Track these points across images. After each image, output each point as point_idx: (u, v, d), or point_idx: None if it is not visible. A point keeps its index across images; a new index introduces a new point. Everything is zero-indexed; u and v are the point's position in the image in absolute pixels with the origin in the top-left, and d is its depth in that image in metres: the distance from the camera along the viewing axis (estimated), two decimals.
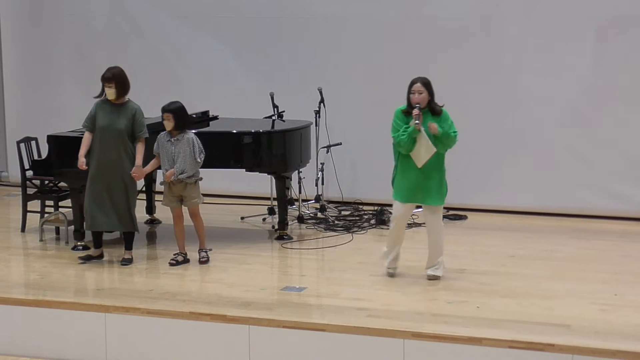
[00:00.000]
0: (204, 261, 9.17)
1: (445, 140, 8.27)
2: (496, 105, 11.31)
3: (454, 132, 8.32)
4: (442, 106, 8.36)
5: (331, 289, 8.46)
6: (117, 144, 8.98)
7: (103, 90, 9.07)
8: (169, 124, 8.99)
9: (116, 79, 8.97)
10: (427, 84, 8.30)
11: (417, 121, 8.13)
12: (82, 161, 9.05)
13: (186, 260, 9.19)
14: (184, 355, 7.69)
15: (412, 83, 8.33)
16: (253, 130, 9.92)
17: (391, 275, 8.66)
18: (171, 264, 9.09)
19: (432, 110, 8.30)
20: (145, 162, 9.16)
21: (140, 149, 9.04)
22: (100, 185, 9.01)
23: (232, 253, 9.58)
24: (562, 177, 11.15)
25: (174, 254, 9.21)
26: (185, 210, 9.25)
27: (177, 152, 8.97)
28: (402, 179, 8.40)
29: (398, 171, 8.45)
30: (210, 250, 9.36)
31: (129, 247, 9.31)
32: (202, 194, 9.24)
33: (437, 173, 8.37)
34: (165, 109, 9.00)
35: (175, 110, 8.99)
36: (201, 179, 9.15)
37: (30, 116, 12.92)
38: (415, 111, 8.17)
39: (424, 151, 8.26)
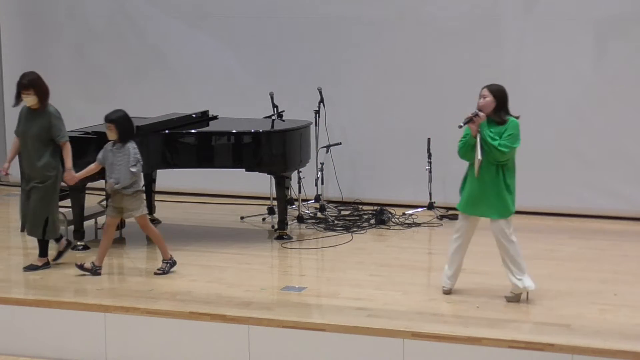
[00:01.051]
0: (158, 273, 8.78)
1: (487, 148, 7.71)
2: None
3: (504, 145, 7.67)
4: (516, 117, 7.82)
5: (331, 289, 8.45)
6: (31, 150, 8.73)
7: (18, 96, 8.76)
8: (111, 134, 8.56)
9: (34, 85, 8.68)
10: (494, 90, 7.77)
11: (461, 123, 7.73)
12: (4, 166, 8.98)
13: (96, 273, 8.73)
14: (184, 355, 7.69)
15: (481, 89, 7.86)
16: (253, 130, 9.92)
17: (447, 292, 8.12)
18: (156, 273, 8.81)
19: (496, 120, 7.74)
20: (82, 166, 8.91)
21: (66, 154, 8.74)
22: (24, 191, 8.86)
23: (232, 253, 9.57)
24: (562, 177, 11.14)
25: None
26: (137, 225, 8.85)
27: (115, 162, 8.58)
28: (467, 188, 7.92)
29: (466, 180, 8.01)
30: (170, 261, 8.86)
31: (40, 254, 8.98)
32: (145, 207, 8.78)
33: (494, 184, 7.76)
34: (106, 119, 8.58)
35: (117, 120, 8.56)
36: (143, 190, 8.73)
37: None
38: (470, 114, 7.71)
39: (475, 160, 7.82)
